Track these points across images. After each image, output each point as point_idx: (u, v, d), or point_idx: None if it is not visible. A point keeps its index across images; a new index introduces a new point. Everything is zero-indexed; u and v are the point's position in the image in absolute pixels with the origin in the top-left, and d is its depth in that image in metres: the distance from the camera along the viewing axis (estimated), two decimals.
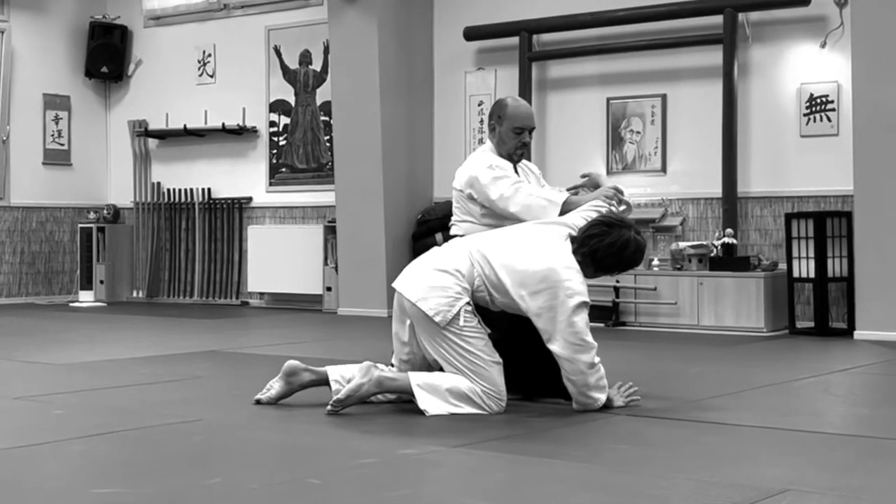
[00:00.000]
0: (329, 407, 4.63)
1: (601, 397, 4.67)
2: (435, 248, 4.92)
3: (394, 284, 4.81)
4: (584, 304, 4.59)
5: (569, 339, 4.55)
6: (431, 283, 4.65)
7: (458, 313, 4.60)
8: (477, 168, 5.15)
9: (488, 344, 4.66)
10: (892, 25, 7.74)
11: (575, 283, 4.58)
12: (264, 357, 6.86)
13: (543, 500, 3.24)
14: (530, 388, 5.02)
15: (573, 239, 4.74)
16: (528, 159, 5.51)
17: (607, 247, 4.70)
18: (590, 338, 4.59)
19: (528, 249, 4.67)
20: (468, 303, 4.63)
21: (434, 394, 4.60)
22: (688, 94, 9.17)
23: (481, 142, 10.07)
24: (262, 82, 11.28)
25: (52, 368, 6.34)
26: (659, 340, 7.90)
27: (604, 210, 4.91)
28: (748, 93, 8.88)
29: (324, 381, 4.85)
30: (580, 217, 4.87)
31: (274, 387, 4.92)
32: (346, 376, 4.80)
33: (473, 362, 4.62)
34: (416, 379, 4.65)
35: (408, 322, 4.73)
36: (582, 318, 4.57)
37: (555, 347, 4.58)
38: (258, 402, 4.90)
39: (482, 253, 4.69)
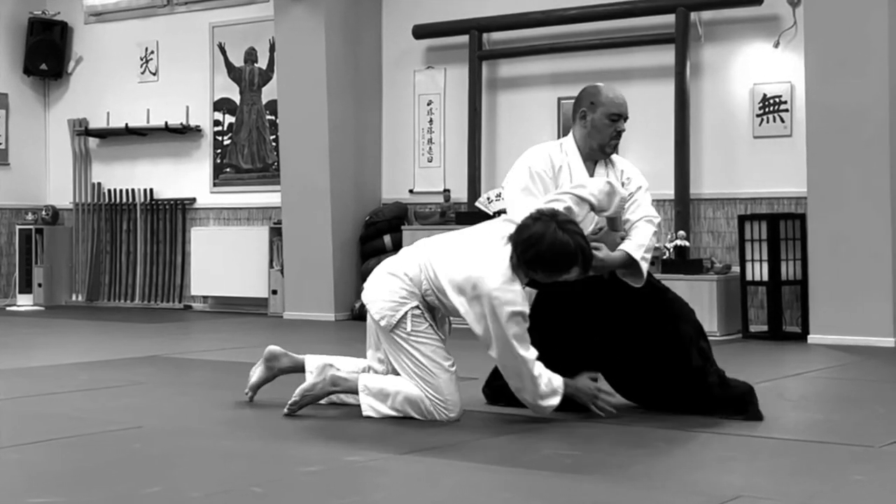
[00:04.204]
0: (286, 409, 4.63)
1: (552, 402, 4.48)
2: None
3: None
4: (517, 314, 4.33)
5: (505, 351, 4.37)
6: (381, 286, 4.61)
7: (403, 317, 4.52)
8: (514, 171, 4.88)
9: (438, 351, 4.55)
10: (845, 25, 7.72)
11: (505, 293, 4.32)
12: (207, 362, 6.84)
13: None
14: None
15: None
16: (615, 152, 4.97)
17: (524, 242, 4.31)
18: (524, 351, 4.36)
19: (467, 256, 4.47)
20: (416, 306, 4.53)
21: (379, 398, 4.57)
22: (640, 94, 9.08)
23: (431, 141, 9.98)
24: (206, 80, 11.15)
25: None
26: None
27: (569, 203, 4.51)
28: (700, 93, 8.83)
29: (300, 369, 4.89)
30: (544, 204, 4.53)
31: (255, 372, 5.00)
32: (321, 367, 4.78)
33: (421, 368, 4.53)
34: (365, 380, 4.62)
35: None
36: (515, 331, 4.33)
37: (494, 355, 4.44)
38: (249, 398, 4.98)
39: (429, 258, 4.57)
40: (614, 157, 4.95)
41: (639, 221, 4.75)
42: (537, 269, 4.37)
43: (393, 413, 4.54)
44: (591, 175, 4.84)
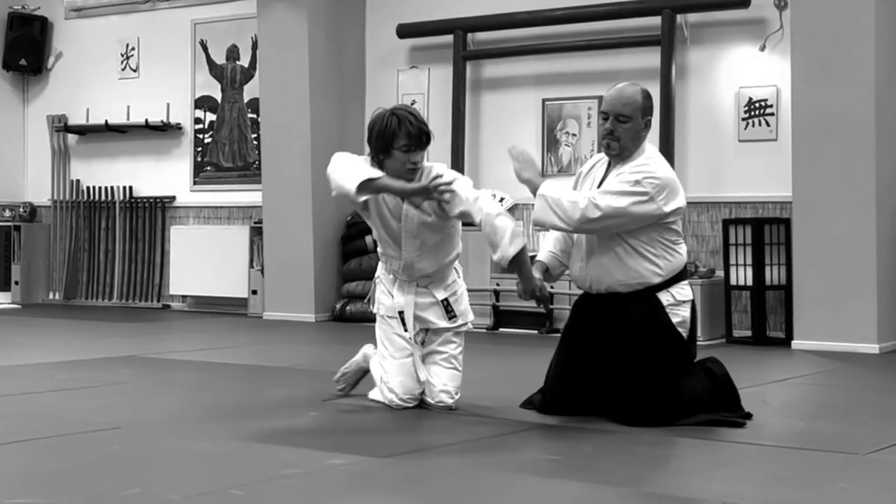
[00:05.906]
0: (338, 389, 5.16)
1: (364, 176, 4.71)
2: None
3: None
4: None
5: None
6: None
7: (376, 296, 5.01)
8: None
9: (393, 338, 4.84)
10: (831, 29, 7.69)
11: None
12: (186, 362, 6.79)
13: None
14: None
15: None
16: (617, 152, 4.69)
17: (368, 131, 4.79)
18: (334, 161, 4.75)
19: None
20: (377, 277, 5.00)
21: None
22: None
23: None
24: (187, 77, 11.07)
25: None
26: None
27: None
28: (686, 96, 8.80)
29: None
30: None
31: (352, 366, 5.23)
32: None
33: (383, 349, 4.89)
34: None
35: None
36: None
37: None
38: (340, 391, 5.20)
39: None
40: (644, 156, 4.67)
41: (589, 195, 4.57)
42: (373, 143, 4.74)
43: (373, 393, 4.96)
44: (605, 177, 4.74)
